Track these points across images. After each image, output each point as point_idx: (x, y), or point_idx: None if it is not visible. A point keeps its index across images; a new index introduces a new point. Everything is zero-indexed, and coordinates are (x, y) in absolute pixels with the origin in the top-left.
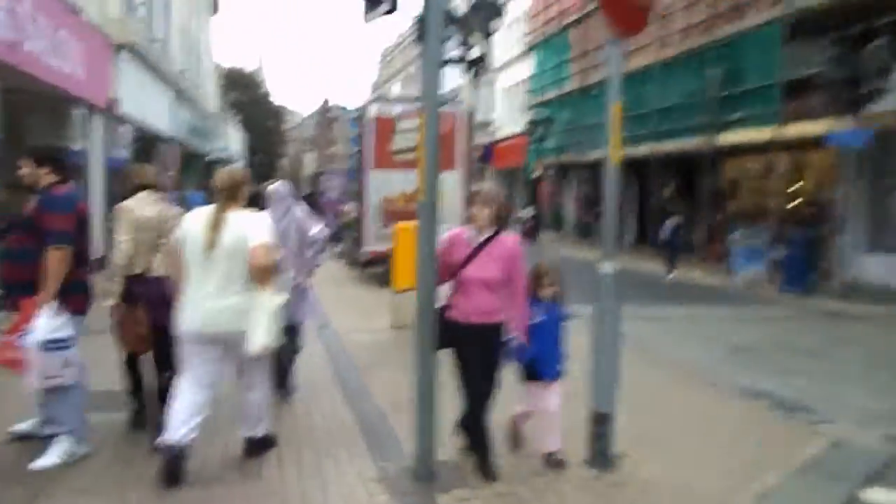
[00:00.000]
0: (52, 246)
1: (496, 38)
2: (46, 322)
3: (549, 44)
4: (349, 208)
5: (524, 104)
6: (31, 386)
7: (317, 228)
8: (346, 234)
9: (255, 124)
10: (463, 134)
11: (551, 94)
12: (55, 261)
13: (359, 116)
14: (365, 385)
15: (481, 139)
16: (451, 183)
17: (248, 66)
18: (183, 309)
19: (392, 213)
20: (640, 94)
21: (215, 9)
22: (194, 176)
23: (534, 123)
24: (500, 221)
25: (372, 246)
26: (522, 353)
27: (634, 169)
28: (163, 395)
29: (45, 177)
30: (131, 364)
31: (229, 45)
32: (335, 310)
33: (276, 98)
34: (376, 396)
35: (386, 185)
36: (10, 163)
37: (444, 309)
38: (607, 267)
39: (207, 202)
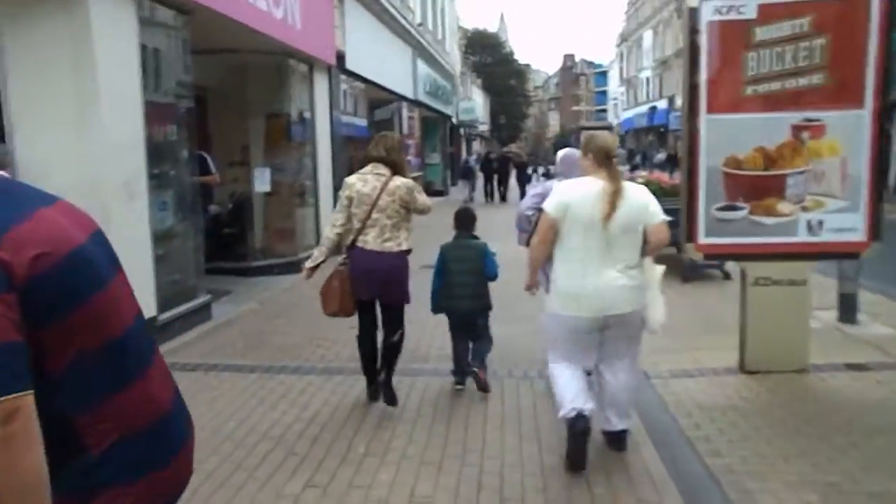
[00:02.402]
0: None
1: None
2: None
3: None
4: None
5: None
6: None
7: None
8: None
9: (497, 86)
10: (875, 37)
11: None
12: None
13: (690, 24)
14: None
15: None
16: (853, 129)
17: (490, 27)
18: (570, 292)
19: (739, 184)
20: None
21: None
22: (436, 141)
23: None
24: None
25: (706, 237)
26: None
27: None
28: (390, 353)
29: None
30: (362, 341)
31: (471, 5)
32: None
33: (519, 57)
34: None
35: (730, 138)
36: (227, 139)
37: None
38: None
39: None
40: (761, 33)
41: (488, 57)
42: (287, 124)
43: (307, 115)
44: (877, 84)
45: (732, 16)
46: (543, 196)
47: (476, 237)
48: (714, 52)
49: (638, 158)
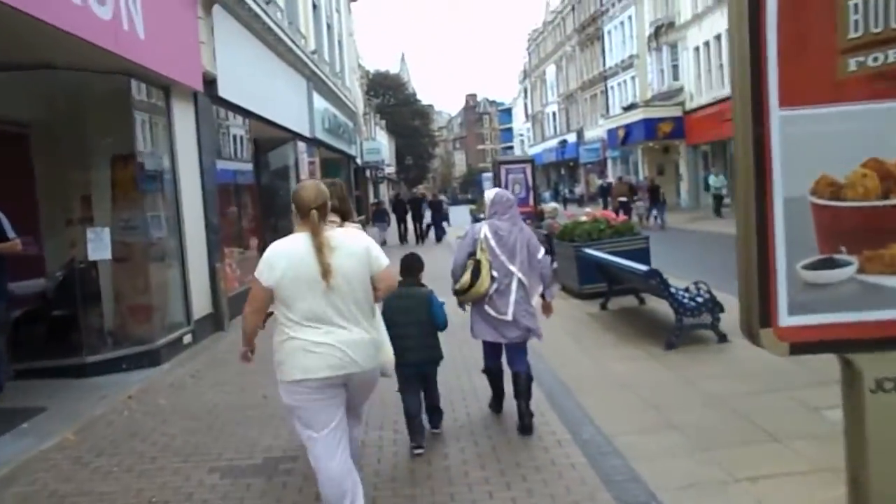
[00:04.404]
0: None
1: None
2: None
3: None
4: (550, 208)
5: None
6: None
7: (543, 251)
8: (550, 242)
9: (402, 127)
10: None
11: None
12: None
13: None
14: None
15: (668, 112)
16: None
17: (391, 69)
18: (304, 356)
19: (841, 222)
20: None
21: None
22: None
23: None
24: None
25: (791, 316)
26: None
27: None
28: None
29: None
30: None
31: (371, 46)
32: (622, 427)
33: (422, 98)
34: None
35: (822, 147)
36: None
37: None
38: None
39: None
40: None
41: (391, 98)
42: (138, 168)
43: (166, 155)
44: None
45: None
46: (474, 241)
47: (423, 285)
48: (784, 9)
49: (547, 194)
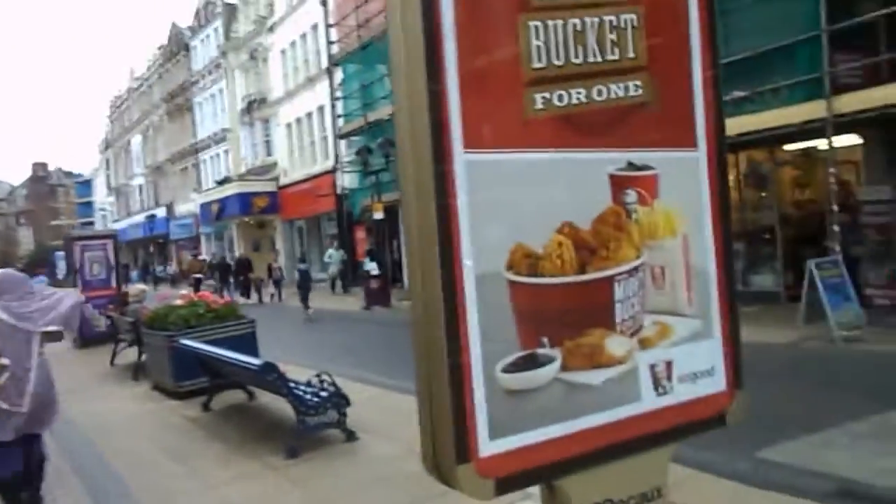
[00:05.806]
0: None
1: (273, 64)
2: None
3: (367, 52)
4: (136, 290)
5: (325, 134)
6: None
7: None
8: (137, 332)
9: None
10: (696, 22)
11: (377, 114)
12: None
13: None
14: None
15: (263, 187)
16: (689, 185)
17: None
18: None
19: (541, 305)
20: None
21: None
22: None
23: (366, 151)
24: None
25: (494, 440)
26: None
27: None
28: None
29: None
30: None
31: None
32: None
33: None
34: None
35: (515, 206)
36: None
37: None
38: None
39: None
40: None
41: None
42: None
43: None
44: (709, 105)
45: None
46: None
47: None
48: (465, 10)
49: (135, 274)
